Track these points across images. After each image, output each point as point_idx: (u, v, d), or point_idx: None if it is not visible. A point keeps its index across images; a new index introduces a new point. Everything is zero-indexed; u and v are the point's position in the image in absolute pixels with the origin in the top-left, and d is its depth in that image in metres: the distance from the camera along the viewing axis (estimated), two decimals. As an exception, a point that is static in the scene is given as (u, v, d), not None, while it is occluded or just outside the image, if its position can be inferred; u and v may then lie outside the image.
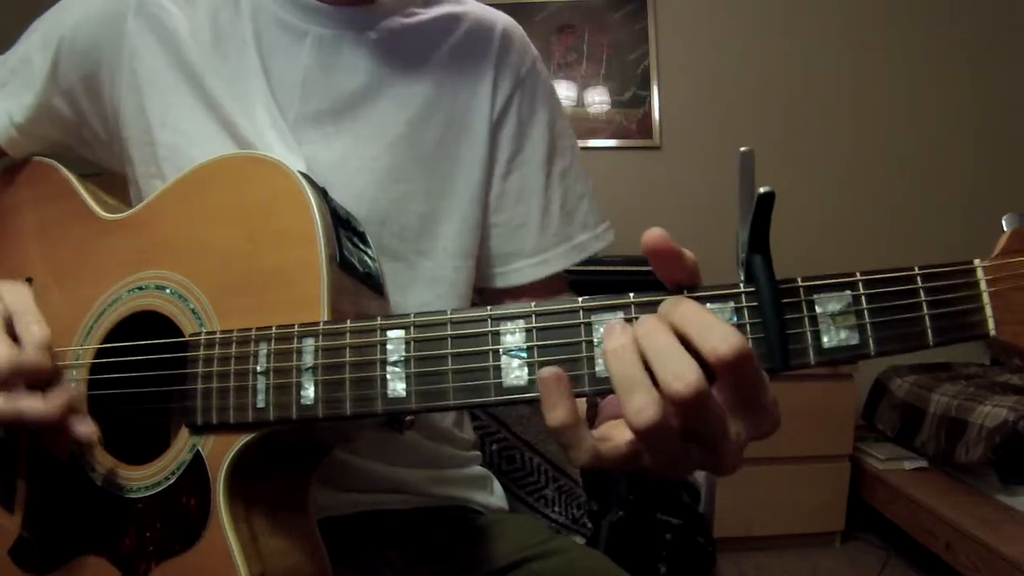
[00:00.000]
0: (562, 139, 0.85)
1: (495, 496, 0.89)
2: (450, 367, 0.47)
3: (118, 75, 0.73)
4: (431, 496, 0.79)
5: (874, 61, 3.03)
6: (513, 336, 0.46)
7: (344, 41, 0.75)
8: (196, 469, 0.55)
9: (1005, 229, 0.42)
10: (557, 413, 0.41)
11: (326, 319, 0.52)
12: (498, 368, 0.46)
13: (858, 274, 0.42)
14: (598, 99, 3.03)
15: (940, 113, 3.03)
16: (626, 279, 2.25)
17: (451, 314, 0.48)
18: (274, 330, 0.53)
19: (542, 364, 0.45)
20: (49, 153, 0.77)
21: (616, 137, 3.02)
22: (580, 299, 0.45)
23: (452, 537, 0.79)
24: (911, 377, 2.56)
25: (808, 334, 0.42)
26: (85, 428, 0.58)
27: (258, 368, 0.53)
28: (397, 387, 0.48)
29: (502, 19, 0.84)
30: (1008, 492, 2.12)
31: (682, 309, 0.41)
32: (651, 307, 0.43)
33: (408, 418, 0.54)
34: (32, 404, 0.56)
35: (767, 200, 0.40)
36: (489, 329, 0.47)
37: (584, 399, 0.55)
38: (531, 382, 0.45)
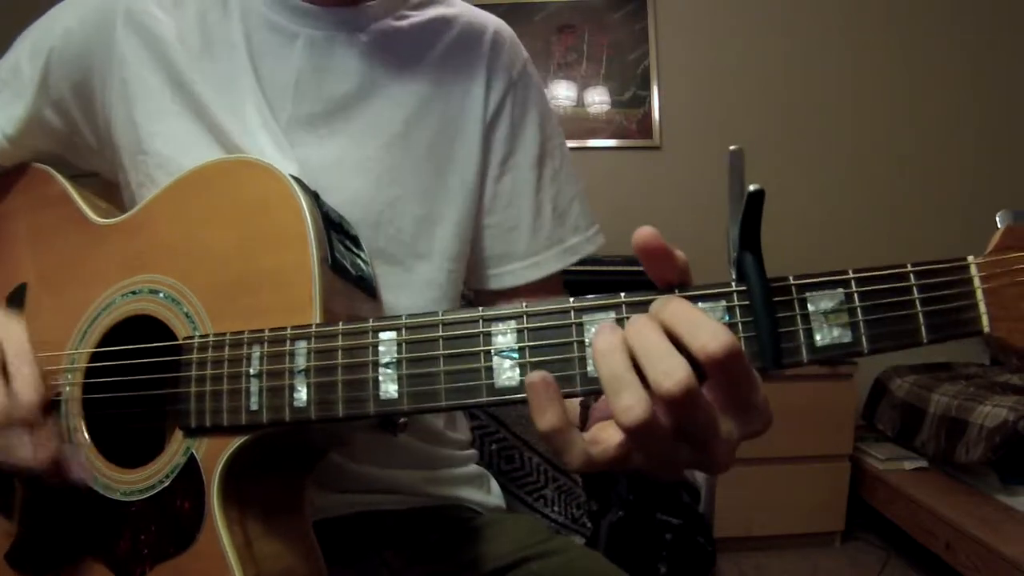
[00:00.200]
0: (553, 141, 0.85)
1: (492, 495, 0.89)
2: (442, 368, 0.47)
3: (108, 83, 0.73)
4: (427, 496, 0.79)
5: (874, 61, 3.03)
6: (504, 337, 0.46)
7: (335, 43, 0.75)
8: (190, 472, 0.55)
9: (999, 226, 0.42)
10: (547, 417, 0.41)
11: (318, 321, 0.52)
12: (490, 369, 0.46)
13: (850, 272, 0.42)
14: (598, 99, 3.03)
15: (940, 113, 3.03)
16: (625, 279, 2.25)
17: (443, 315, 0.48)
18: (267, 333, 0.53)
19: (534, 365, 0.45)
20: (41, 162, 0.77)
21: (616, 137, 3.02)
22: (571, 299, 0.45)
23: (449, 537, 0.78)
24: (911, 377, 2.56)
25: (800, 332, 0.42)
26: (81, 474, 0.59)
27: (251, 371, 0.53)
28: (389, 389, 0.48)
29: (493, 21, 0.84)
30: (1008, 492, 2.12)
31: (671, 307, 0.41)
32: (642, 307, 0.43)
33: (401, 420, 0.54)
34: (22, 454, 0.57)
35: (757, 198, 0.40)
36: (481, 330, 0.46)
37: (576, 405, 0.55)
38: (523, 383, 0.45)
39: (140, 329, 0.61)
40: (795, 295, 0.42)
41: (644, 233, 0.42)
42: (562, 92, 3.02)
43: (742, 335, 0.42)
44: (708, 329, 0.39)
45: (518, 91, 0.82)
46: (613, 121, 3.02)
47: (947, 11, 3.04)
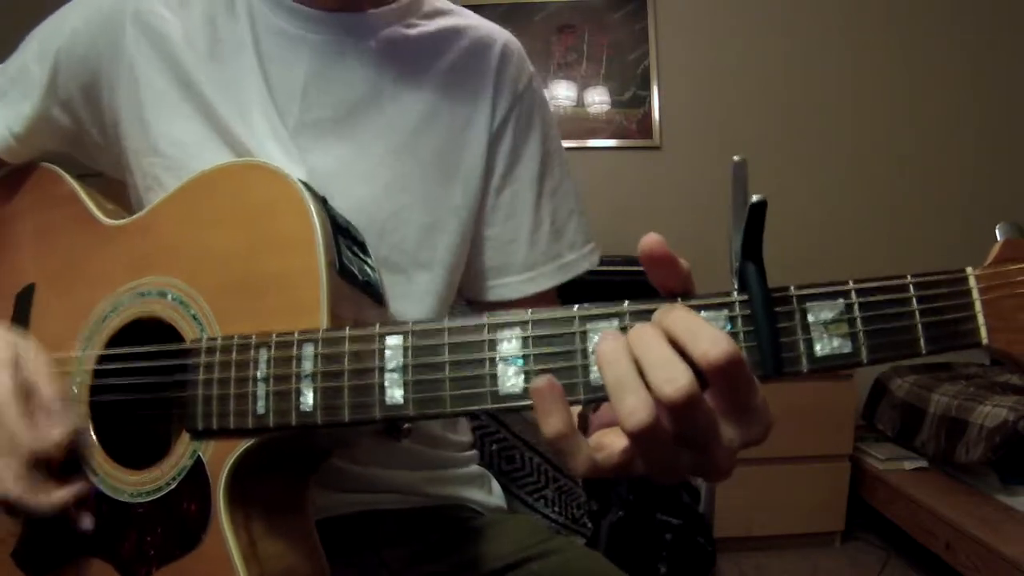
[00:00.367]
0: (554, 156, 0.85)
1: (493, 495, 0.89)
2: (447, 375, 0.47)
3: (117, 85, 0.73)
4: (428, 496, 0.80)
5: (874, 61, 3.03)
6: (509, 344, 0.46)
7: (343, 49, 0.75)
8: (197, 474, 0.55)
9: (998, 238, 0.42)
10: (552, 422, 0.41)
11: (326, 326, 0.53)
12: (494, 376, 0.46)
13: (851, 282, 0.42)
14: (598, 99, 3.03)
15: (940, 113, 3.03)
16: (626, 279, 2.25)
17: (449, 322, 0.48)
18: (274, 337, 0.53)
19: (538, 371, 0.45)
20: (50, 160, 0.77)
21: (616, 137, 3.02)
22: (575, 307, 0.46)
23: (449, 537, 0.79)
24: (911, 377, 2.56)
25: (801, 342, 0.42)
26: (86, 523, 0.59)
27: (258, 374, 0.53)
28: (395, 394, 0.48)
29: (502, 34, 0.84)
30: (1008, 492, 2.12)
31: (673, 315, 0.41)
32: (645, 315, 0.44)
33: (406, 426, 0.55)
34: (40, 501, 0.57)
35: (759, 208, 0.41)
36: (486, 337, 0.47)
37: (576, 413, 0.55)
38: (527, 389, 0.45)
39: (148, 331, 0.61)
40: (796, 305, 0.43)
41: (651, 240, 0.42)
42: (562, 92, 3.02)
43: (743, 344, 0.42)
44: (709, 337, 0.39)
45: (523, 105, 0.83)
46: (613, 121, 3.02)
47: (947, 11, 3.03)
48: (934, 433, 2.30)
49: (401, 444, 0.59)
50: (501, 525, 0.83)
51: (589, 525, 1.19)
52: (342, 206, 0.61)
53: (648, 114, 3.02)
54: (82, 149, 0.79)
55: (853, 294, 0.42)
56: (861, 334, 0.42)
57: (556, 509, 1.13)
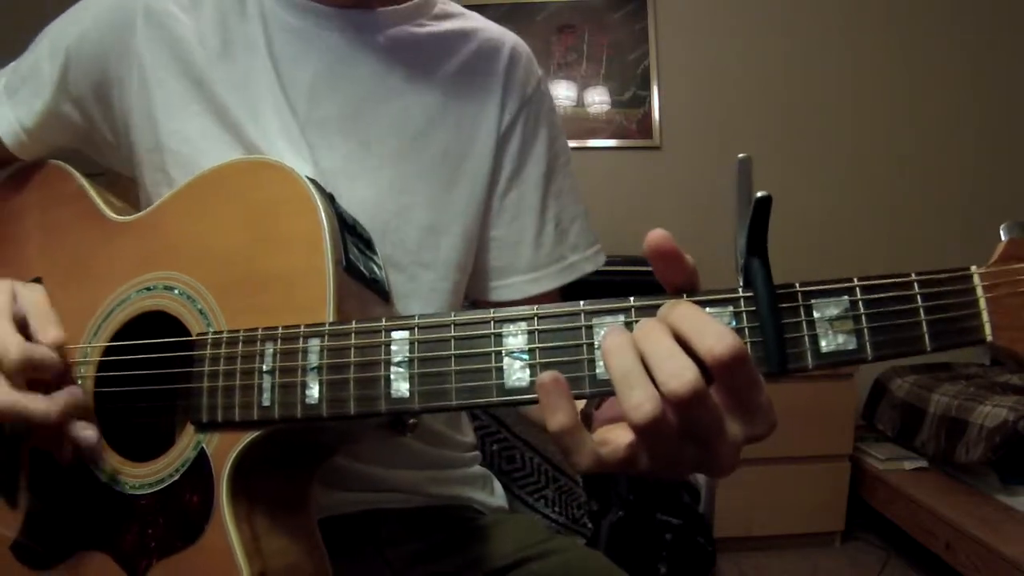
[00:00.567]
0: (560, 159, 0.86)
1: (495, 496, 0.89)
2: (453, 368, 0.48)
3: (128, 82, 0.74)
4: (430, 495, 0.80)
5: (874, 61, 3.03)
6: (515, 338, 0.47)
7: (352, 46, 0.75)
8: (200, 466, 0.55)
9: (1003, 238, 0.42)
10: (558, 417, 0.42)
11: (331, 320, 0.53)
12: (500, 369, 0.46)
13: (855, 280, 0.43)
14: (598, 99, 3.03)
15: (940, 113, 3.03)
16: (627, 279, 2.25)
17: (455, 316, 0.48)
18: (280, 330, 0.53)
19: (543, 366, 0.45)
20: (59, 156, 0.78)
21: (616, 137, 3.02)
22: (581, 303, 0.46)
23: (451, 537, 0.79)
24: (911, 377, 2.56)
25: (806, 338, 0.42)
26: (87, 432, 0.59)
27: (264, 367, 0.53)
28: (401, 387, 0.49)
29: (511, 38, 0.85)
30: (1008, 492, 2.12)
31: (679, 311, 0.41)
32: (651, 311, 0.44)
33: (411, 420, 0.55)
34: (35, 402, 0.57)
35: (764, 204, 0.41)
36: (492, 331, 0.47)
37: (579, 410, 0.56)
38: (532, 384, 0.46)
39: (154, 325, 0.61)
40: (801, 301, 0.43)
41: (657, 235, 0.43)
42: (562, 92, 3.02)
43: (748, 340, 0.43)
44: (715, 332, 0.39)
45: (531, 108, 0.83)
46: (613, 121, 3.02)
47: (947, 11, 3.04)
48: (934, 433, 2.30)
49: (405, 439, 0.60)
50: (502, 525, 0.83)
51: (589, 525, 1.19)
52: (345, 204, 0.62)
53: (648, 114, 3.02)
54: (92, 146, 0.79)
55: (858, 291, 0.42)
56: (866, 331, 0.42)
57: (556, 509, 1.13)
